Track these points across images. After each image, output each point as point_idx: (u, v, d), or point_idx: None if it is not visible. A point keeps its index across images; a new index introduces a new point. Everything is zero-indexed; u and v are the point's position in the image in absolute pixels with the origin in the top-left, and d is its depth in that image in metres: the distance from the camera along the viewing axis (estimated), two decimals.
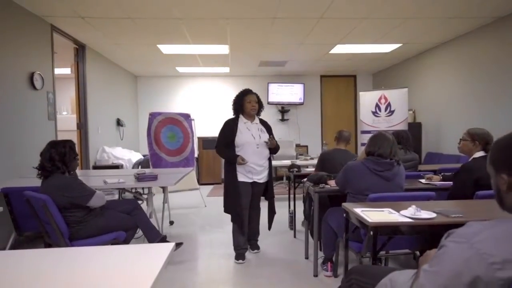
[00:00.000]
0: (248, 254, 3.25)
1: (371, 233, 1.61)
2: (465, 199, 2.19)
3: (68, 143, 2.46)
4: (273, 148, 3.18)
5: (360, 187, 2.31)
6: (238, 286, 2.69)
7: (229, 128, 3.15)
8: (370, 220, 1.62)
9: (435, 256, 1.04)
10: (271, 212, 3.30)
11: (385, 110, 5.89)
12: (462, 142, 2.51)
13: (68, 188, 2.35)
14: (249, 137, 3.10)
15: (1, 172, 3.29)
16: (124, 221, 2.70)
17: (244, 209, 3.09)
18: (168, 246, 1.39)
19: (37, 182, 2.60)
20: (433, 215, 1.67)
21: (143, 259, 1.28)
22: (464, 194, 2.24)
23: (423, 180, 2.92)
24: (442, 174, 2.87)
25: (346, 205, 1.97)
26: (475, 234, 0.96)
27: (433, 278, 1.01)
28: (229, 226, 3.21)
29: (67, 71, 6.14)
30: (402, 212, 1.70)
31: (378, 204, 1.94)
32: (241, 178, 3.09)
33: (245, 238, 3.21)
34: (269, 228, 3.33)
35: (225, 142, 3.13)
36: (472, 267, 0.91)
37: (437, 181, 2.83)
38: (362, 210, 1.78)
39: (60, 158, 2.38)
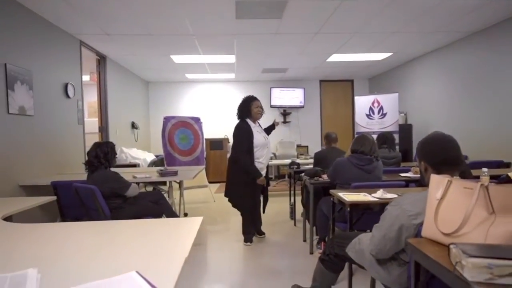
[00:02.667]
0: (255, 238, 3.80)
1: (348, 209, 2.17)
2: None
3: (110, 144, 3.03)
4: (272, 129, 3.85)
5: (346, 178, 2.85)
6: (247, 262, 3.25)
7: (248, 131, 3.40)
8: (347, 200, 2.18)
9: (381, 216, 1.61)
10: (265, 198, 3.84)
11: (378, 113, 6.43)
12: None
13: (111, 180, 2.91)
14: (262, 138, 3.54)
15: (42, 169, 3.85)
16: (152, 208, 3.25)
17: (258, 203, 3.66)
18: (198, 219, 1.73)
19: (74, 177, 3.15)
20: (395, 196, 2.21)
21: (182, 227, 1.66)
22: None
23: (402, 174, 3.46)
24: None
25: (332, 191, 2.52)
26: (403, 199, 1.52)
27: (378, 230, 1.58)
28: (236, 217, 3.77)
29: (85, 78, 6.73)
30: (373, 194, 2.26)
31: (358, 191, 2.49)
32: None
33: (253, 225, 3.76)
34: (263, 211, 3.85)
35: (248, 146, 3.33)
36: (399, 219, 1.47)
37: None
38: (344, 194, 2.33)
39: (104, 155, 2.94)
